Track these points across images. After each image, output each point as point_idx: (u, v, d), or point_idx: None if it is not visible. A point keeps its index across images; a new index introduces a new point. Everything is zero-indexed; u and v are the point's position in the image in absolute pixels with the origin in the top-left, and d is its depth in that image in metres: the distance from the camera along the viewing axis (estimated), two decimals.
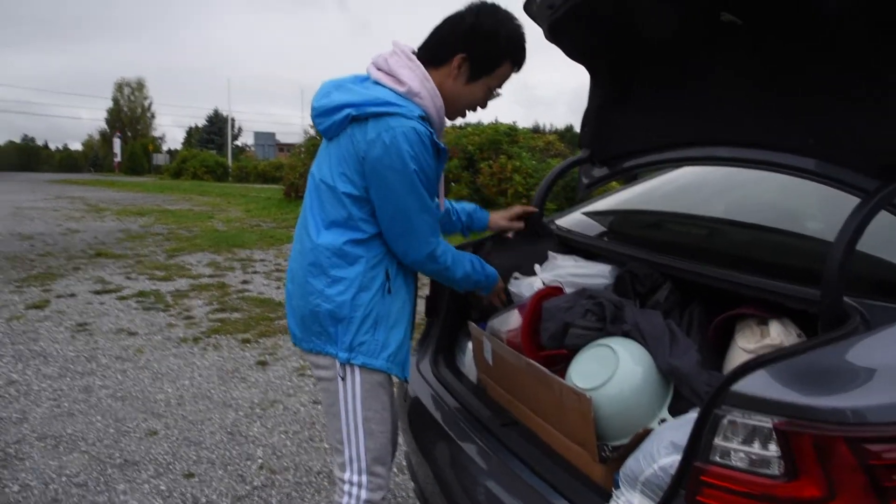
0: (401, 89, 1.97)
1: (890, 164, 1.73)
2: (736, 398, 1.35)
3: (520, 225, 2.64)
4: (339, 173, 1.98)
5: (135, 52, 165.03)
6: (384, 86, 1.98)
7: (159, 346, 5.54)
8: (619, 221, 2.93)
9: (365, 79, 2.04)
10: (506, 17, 2.02)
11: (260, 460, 3.64)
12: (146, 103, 78.39)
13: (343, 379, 2.05)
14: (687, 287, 2.14)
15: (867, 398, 1.31)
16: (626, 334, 1.93)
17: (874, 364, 1.39)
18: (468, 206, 2.63)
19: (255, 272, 8.87)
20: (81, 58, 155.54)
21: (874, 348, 1.43)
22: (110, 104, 77.88)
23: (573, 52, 2.56)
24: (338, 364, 2.04)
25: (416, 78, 1.98)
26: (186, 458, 3.65)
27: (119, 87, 77.23)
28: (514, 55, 2.06)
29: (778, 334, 1.77)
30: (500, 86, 2.11)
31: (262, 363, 5.17)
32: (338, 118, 1.95)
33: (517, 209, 2.69)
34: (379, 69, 2.02)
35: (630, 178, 3.32)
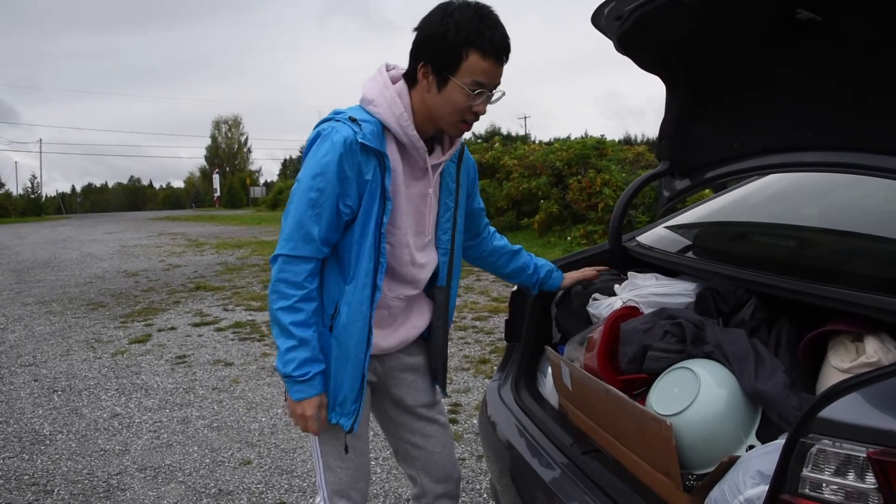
0: (359, 101, 1.97)
1: None
2: (825, 425, 1.26)
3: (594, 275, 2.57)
4: None
5: (230, 91, 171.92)
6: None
7: (254, 376, 5.65)
8: (702, 235, 2.82)
9: None
10: (454, 10, 1.84)
11: None
12: (242, 139, 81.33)
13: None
14: (775, 303, 2.02)
15: None
16: (707, 356, 1.84)
17: None
18: (548, 264, 2.50)
19: None
20: (181, 100, 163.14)
21: None
22: (209, 142, 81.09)
23: (645, 63, 2.50)
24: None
25: (375, 87, 1.93)
26: (279, 486, 3.68)
27: (217, 125, 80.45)
28: (473, 42, 1.81)
29: (875, 351, 1.65)
30: (482, 82, 1.85)
31: None
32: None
33: (589, 271, 2.58)
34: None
35: (719, 187, 3.20)
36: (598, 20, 2.30)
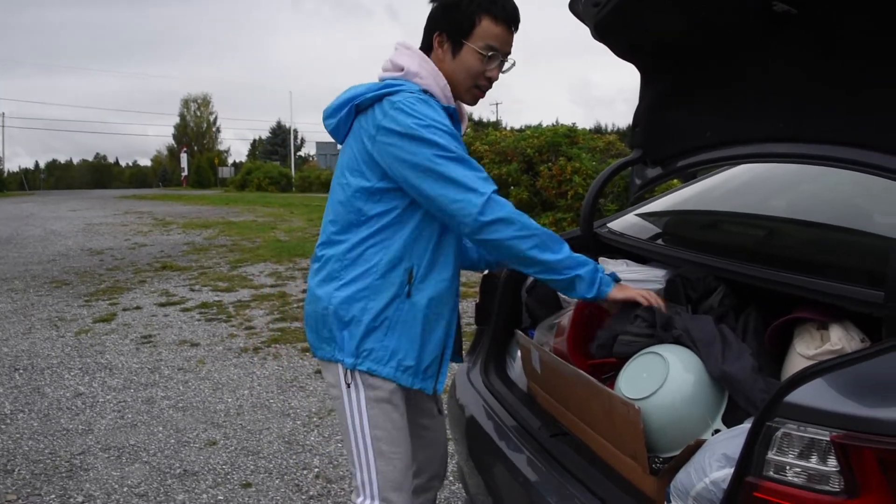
0: (399, 74, 1.96)
1: None
2: (790, 409, 1.28)
3: None
4: (349, 170, 1.95)
5: (200, 69, 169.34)
6: (386, 79, 1.99)
7: (220, 357, 5.62)
8: (673, 223, 2.85)
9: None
10: None
11: (316, 469, 3.65)
12: (211, 118, 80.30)
13: (349, 388, 1.94)
14: (743, 291, 2.05)
15: None
16: (676, 340, 1.86)
17: None
18: None
19: None
20: (149, 77, 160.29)
21: None
22: (177, 120, 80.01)
23: (622, 51, 2.50)
24: (342, 370, 1.94)
25: (414, 61, 1.97)
26: (244, 467, 3.67)
27: (185, 103, 79.31)
28: (486, 9, 1.94)
29: (839, 339, 1.67)
30: (494, 46, 1.97)
31: (321, 372, 5.18)
32: (343, 113, 1.96)
33: None
34: (384, 70, 2.02)
35: (689, 176, 3.22)
36: (576, 6, 2.29)
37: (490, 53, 1.96)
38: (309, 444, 3.96)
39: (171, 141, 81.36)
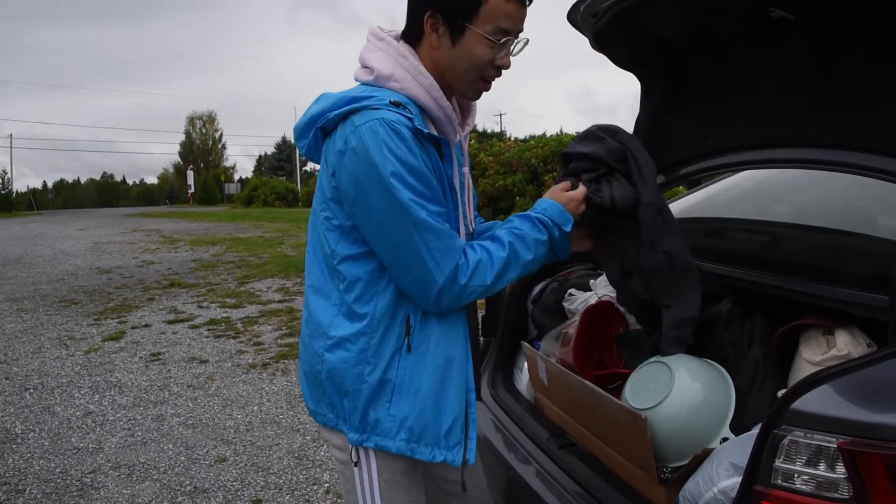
0: (369, 78, 1.59)
1: None
2: (797, 417, 1.28)
3: None
4: (320, 203, 1.62)
5: (205, 86, 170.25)
6: (359, 81, 1.63)
7: (229, 373, 5.62)
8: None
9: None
10: None
11: (326, 484, 3.64)
12: (217, 135, 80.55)
13: (357, 465, 1.63)
14: (748, 297, 2.04)
15: None
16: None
17: None
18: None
19: None
20: (154, 95, 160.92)
21: None
22: (183, 138, 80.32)
23: (620, 60, 2.51)
24: (350, 446, 1.63)
25: (387, 58, 1.58)
26: (254, 484, 3.67)
27: (191, 120, 79.59)
28: None
29: (845, 344, 1.67)
30: (506, 28, 1.56)
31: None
32: (310, 137, 1.62)
33: None
34: (360, 66, 1.65)
35: (693, 183, 3.23)
36: (574, 17, 2.30)
37: (503, 39, 1.56)
38: (319, 460, 3.95)
39: (177, 158, 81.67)
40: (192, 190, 58.11)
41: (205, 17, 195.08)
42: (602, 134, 1.95)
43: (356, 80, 1.65)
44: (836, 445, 1.21)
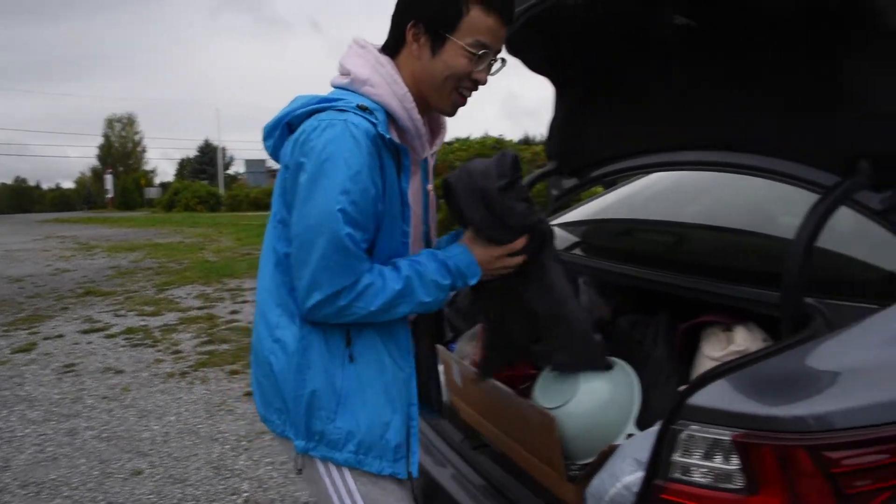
0: (344, 81, 1.61)
1: (851, 159, 1.69)
2: (693, 412, 1.31)
3: None
4: (275, 197, 1.62)
5: (123, 88, 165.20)
6: (334, 86, 1.65)
7: (146, 383, 5.48)
8: (590, 232, 2.90)
9: None
10: None
11: (246, 494, 3.58)
12: (137, 138, 78.42)
13: (302, 472, 1.62)
14: (654, 296, 2.10)
15: (827, 404, 1.27)
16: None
17: (835, 367, 1.36)
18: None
19: (245, 301, 8.81)
20: (72, 96, 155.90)
21: (835, 351, 1.39)
22: (101, 141, 77.99)
23: (534, 64, 2.54)
24: (295, 454, 1.61)
25: (366, 64, 1.60)
26: (171, 496, 3.58)
27: (110, 123, 77.26)
28: None
29: (743, 340, 1.73)
30: (485, 43, 1.57)
31: (250, 394, 5.09)
32: (277, 134, 1.63)
33: None
34: (339, 74, 1.67)
35: (609, 183, 3.29)
36: None
37: (481, 52, 1.58)
38: (238, 469, 3.88)
39: (95, 162, 79.18)
40: (110, 194, 56.57)
41: (125, 17, 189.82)
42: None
43: (332, 85, 1.66)
44: (730, 438, 1.25)
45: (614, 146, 2.62)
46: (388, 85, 1.57)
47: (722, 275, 1.87)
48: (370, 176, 1.49)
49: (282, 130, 1.62)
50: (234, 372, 5.65)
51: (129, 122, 77.91)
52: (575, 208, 3.13)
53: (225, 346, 6.48)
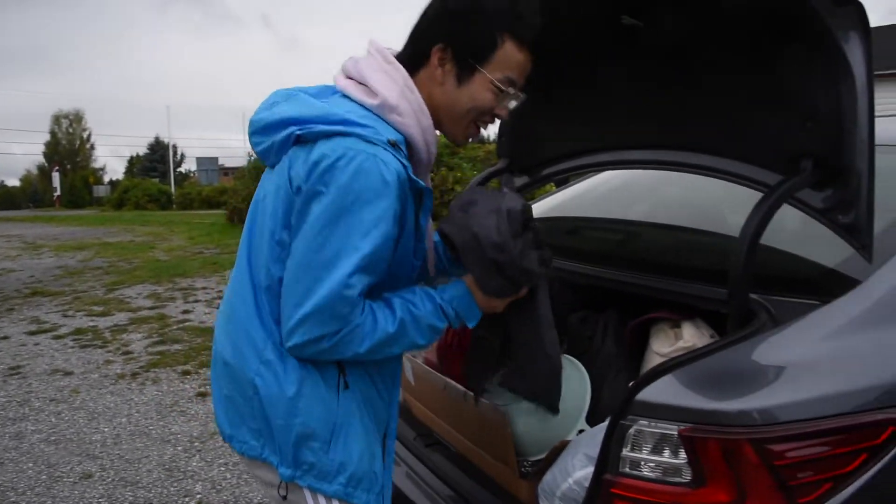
0: (372, 102, 1.45)
1: (794, 159, 1.73)
2: (642, 407, 1.34)
3: None
4: (271, 211, 1.45)
5: (70, 84, 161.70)
6: (352, 99, 1.48)
7: (96, 385, 5.38)
8: (540, 230, 2.92)
9: (333, 91, 1.53)
10: None
11: (199, 496, 3.54)
12: (85, 135, 76.79)
13: (287, 499, 1.50)
14: (604, 293, 2.12)
15: (771, 398, 1.30)
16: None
17: (778, 362, 1.39)
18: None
19: (197, 301, 8.70)
20: (16, 92, 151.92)
21: (779, 346, 1.42)
22: (48, 137, 76.22)
23: None
24: (280, 481, 1.49)
25: (395, 87, 1.46)
26: (122, 499, 3.53)
27: (57, 119, 75.53)
28: (512, 27, 1.47)
29: (691, 336, 1.76)
30: (513, 79, 1.51)
31: (202, 394, 5.05)
32: (279, 138, 1.44)
33: None
34: (349, 77, 1.52)
35: (561, 181, 3.32)
36: None
37: (510, 89, 1.52)
38: (191, 470, 3.84)
39: (41, 159, 77.34)
40: (57, 192, 55.31)
41: (72, 11, 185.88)
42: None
43: (347, 94, 1.49)
44: (677, 433, 1.28)
45: (565, 144, 2.64)
46: (415, 115, 1.47)
47: (670, 272, 1.90)
48: (395, 220, 1.38)
49: (286, 137, 1.43)
50: (186, 372, 5.58)
51: (76, 118, 76.30)
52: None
53: (177, 347, 6.40)
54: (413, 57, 1.51)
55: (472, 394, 1.83)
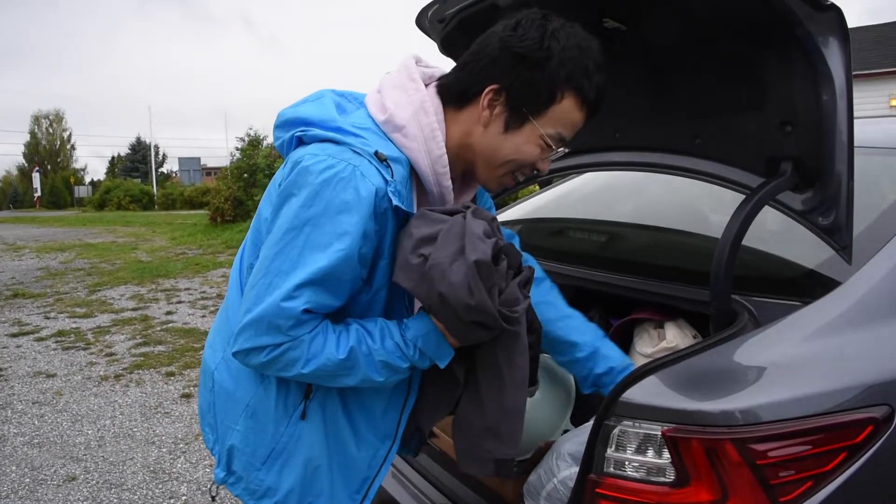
0: (381, 118, 1.38)
1: (775, 161, 1.76)
2: (626, 407, 1.35)
3: None
4: (266, 207, 1.43)
5: (50, 84, 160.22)
6: (367, 110, 1.42)
7: (79, 387, 5.35)
8: (524, 231, 2.93)
9: (362, 101, 1.47)
10: (558, 29, 1.36)
11: (184, 497, 3.53)
12: (66, 135, 76.13)
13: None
14: (588, 294, 2.14)
15: (753, 398, 1.32)
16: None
17: (760, 362, 1.41)
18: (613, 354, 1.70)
19: (180, 302, 8.66)
20: None
21: (760, 347, 1.44)
22: (28, 138, 75.51)
23: None
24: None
25: (409, 107, 1.38)
26: (107, 501, 3.51)
27: (36, 119, 74.84)
28: (576, 83, 1.36)
29: (674, 337, 1.78)
30: (563, 137, 1.41)
31: (187, 396, 5.04)
32: (286, 137, 1.41)
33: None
34: (379, 90, 1.45)
35: (545, 182, 3.33)
36: (422, 22, 2.33)
37: (559, 148, 1.42)
38: (176, 472, 3.83)
39: (21, 160, 76.61)
40: (38, 193, 54.90)
41: (51, 10, 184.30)
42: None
43: (366, 105, 1.44)
44: (660, 433, 1.30)
45: None
46: (423, 140, 1.36)
47: (653, 273, 1.92)
48: (362, 238, 1.28)
49: (291, 137, 1.40)
50: (170, 374, 5.56)
51: (56, 118, 75.64)
52: (510, 207, 3.17)
53: (160, 348, 6.37)
54: (460, 91, 1.41)
55: None
